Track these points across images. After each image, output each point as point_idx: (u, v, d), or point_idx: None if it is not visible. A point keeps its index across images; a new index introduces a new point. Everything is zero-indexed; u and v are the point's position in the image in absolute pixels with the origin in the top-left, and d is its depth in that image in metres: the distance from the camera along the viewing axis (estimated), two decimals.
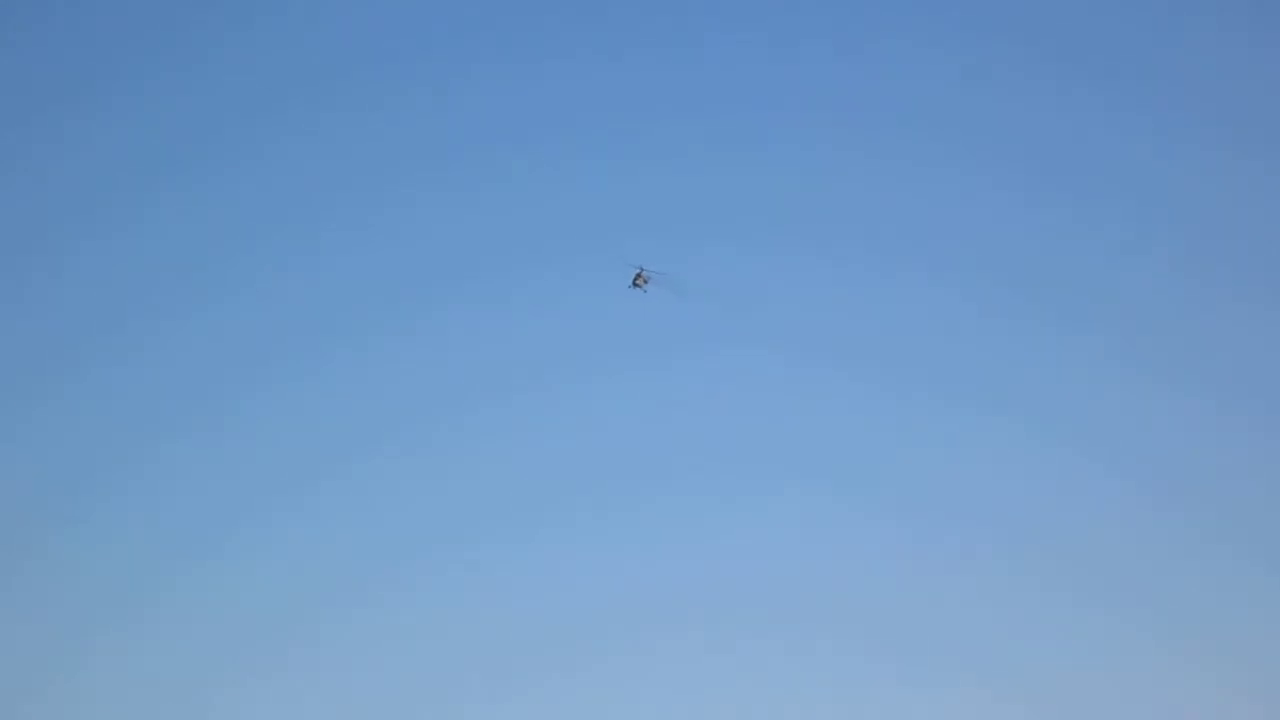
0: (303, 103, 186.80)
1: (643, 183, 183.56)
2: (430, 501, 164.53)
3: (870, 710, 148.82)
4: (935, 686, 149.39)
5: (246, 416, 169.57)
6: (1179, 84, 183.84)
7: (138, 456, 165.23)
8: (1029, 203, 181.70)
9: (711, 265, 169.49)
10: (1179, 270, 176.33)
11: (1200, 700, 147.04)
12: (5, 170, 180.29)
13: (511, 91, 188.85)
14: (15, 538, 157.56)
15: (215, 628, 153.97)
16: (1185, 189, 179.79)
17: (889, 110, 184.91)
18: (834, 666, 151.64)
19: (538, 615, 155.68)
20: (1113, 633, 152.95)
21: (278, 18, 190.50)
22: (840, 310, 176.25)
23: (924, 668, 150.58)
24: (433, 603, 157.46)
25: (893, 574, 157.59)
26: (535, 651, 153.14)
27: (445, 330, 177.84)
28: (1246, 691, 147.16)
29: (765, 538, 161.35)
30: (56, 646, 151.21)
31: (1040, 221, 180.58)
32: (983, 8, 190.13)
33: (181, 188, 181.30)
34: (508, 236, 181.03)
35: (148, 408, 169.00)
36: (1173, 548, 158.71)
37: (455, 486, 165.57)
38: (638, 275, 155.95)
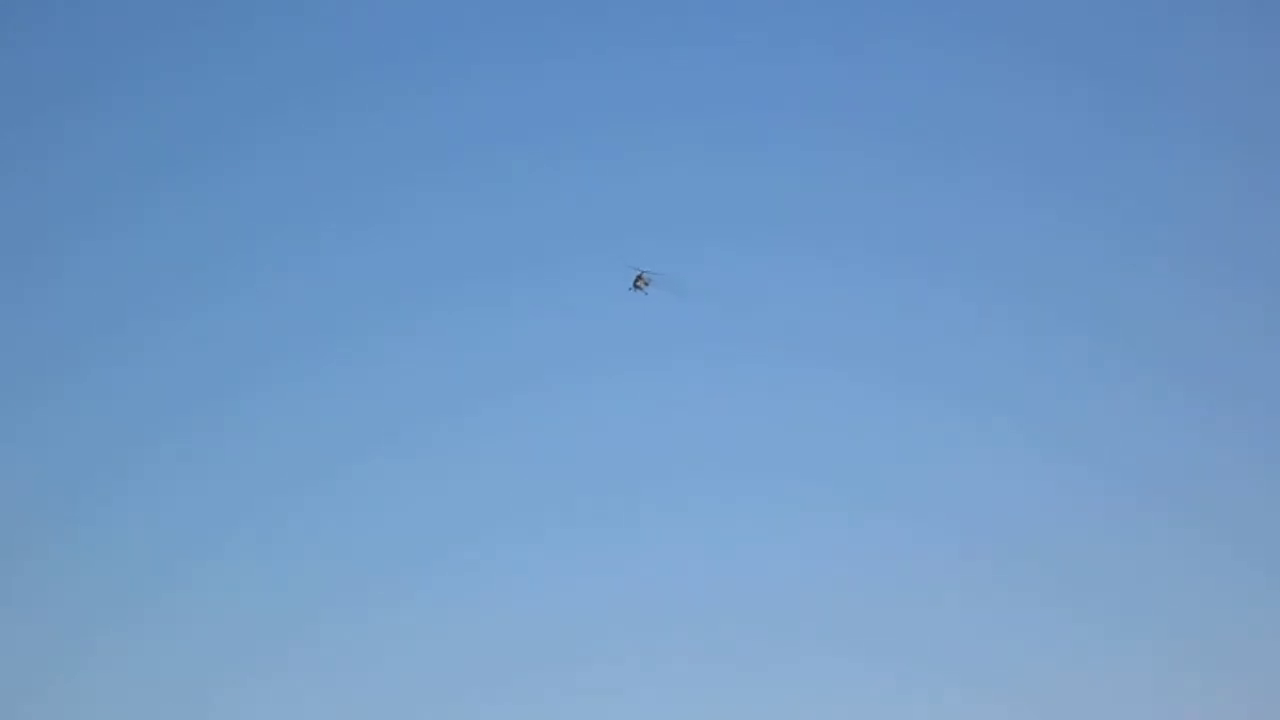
0: (303, 103, 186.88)
1: (643, 183, 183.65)
2: (430, 502, 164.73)
3: (871, 712, 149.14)
4: (936, 690, 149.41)
5: (246, 416, 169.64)
6: (1179, 85, 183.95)
7: (138, 456, 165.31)
8: (1030, 204, 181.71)
9: (711, 265, 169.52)
10: (1180, 272, 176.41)
11: (1198, 704, 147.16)
12: (5, 170, 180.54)
13: (511, 91, 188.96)
14: (15, 538, 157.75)
15: (215, 628, 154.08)
16: (1187, 190, 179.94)
17: (889, 111, 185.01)
18: (834, 668, 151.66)
19: (538, 615, 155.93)
20: (1114, 637, 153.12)
21: (278, 18, 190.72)
22: (840, 311, 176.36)
23: (925, 671, 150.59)
24: (432, 603, 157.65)
25: (895, 576, 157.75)
26: (535, 652, 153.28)
27: (445, 331, 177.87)
28: (1245, 697, 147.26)
29: (766, 538, 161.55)
30: (56, 646, 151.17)
31: (1041, 223, 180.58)
32: (983, 8, 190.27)
33: (181, 188, 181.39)
34: (508, 237, 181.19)
35: (148, 408, 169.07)
36: (1173, 552, 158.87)
37: (455, 487, 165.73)
38: (638, 278, 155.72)
